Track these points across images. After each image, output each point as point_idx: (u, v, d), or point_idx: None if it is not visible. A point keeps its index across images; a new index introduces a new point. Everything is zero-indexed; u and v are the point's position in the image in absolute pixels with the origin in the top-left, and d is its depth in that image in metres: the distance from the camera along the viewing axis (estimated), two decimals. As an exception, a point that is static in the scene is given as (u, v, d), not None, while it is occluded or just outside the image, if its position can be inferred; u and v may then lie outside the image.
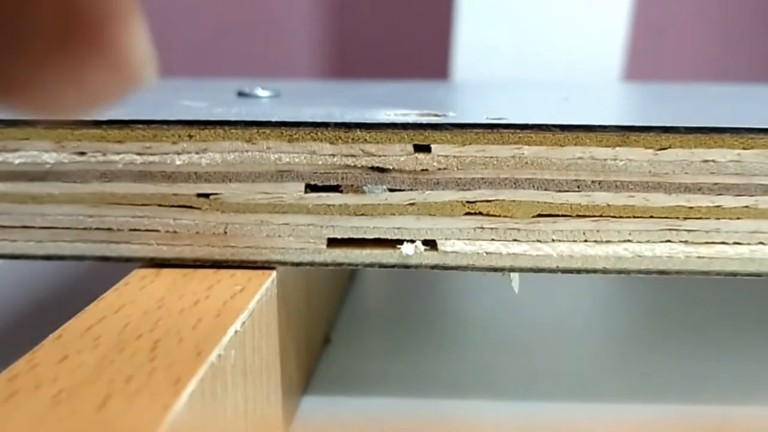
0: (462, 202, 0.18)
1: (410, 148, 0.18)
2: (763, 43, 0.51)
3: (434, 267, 0.19)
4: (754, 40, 0.51)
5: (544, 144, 0.18)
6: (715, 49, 0.51)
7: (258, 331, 0.17)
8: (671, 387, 0.22)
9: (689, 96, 0.31)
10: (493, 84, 0.38)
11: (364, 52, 0.52)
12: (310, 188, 0.18)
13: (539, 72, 0.43)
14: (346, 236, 0.19)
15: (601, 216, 0.18)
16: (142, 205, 0.19)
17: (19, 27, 0.09)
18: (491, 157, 0.18)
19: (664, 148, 0.18)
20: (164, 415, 0.12)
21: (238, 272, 0.19)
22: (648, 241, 0.18)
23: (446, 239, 0.18)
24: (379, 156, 0.18)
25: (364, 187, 0.18)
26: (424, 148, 0.18)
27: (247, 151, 0.18)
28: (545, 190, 0.18)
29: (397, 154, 0.18)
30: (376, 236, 0.18)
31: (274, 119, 0.18)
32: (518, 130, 0.18)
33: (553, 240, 0.18)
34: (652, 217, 0.18)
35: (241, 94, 0.25)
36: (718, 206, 0.18)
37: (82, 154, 0.18)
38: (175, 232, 0.19)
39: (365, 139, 0.18)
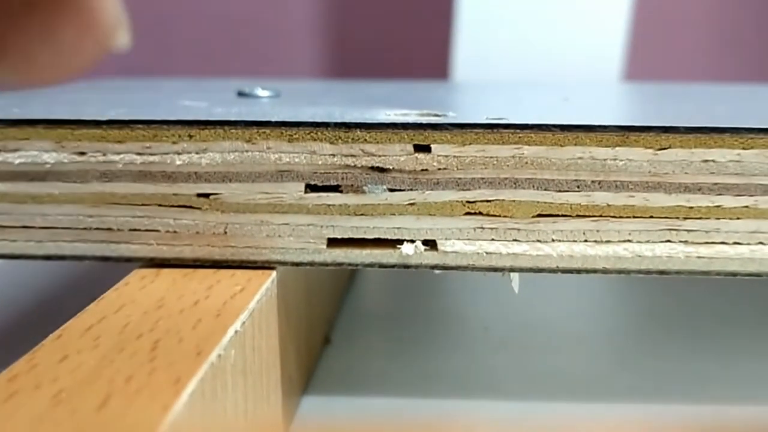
0: (462, 202, 0.18)
1: (410, 148, 0.18)
2: (763, 43, 0.51)
3: (434, 267, 0.19)
4: (754, 40, 0.51)
5: (544, 144, 0.18)
6: (715, 49, 0.51)
7: (258, 331, 0.17)
8: (671, 387, 0.22)
9: (689, 96, 0.31)
10: (493, 84, 0.38)
11: (364, 52, 0.52)
12: (310, 188, 0.18)
13: (539, 72, 0.43)
14: (346, 236, 0.19)
15: (601, 216, 0.18)
16: (142, 205, 0.19)
17: None
18: (491, 157, 0.18)
19: (664, 148, 0.18)
20: (164, 415, 0.12)
21: (238, 272, 0.19)
22: (648, 241, 0.18)
23: (446, 239, 0.18)
24: (379, 156, 0.18)
25: (364, 187, 0.18)
26: (424, 148, 0.18)
27: (247, 151, 0.18)
28: (545, 190, 0.18)
29: (397, 154, 0.18)
30: (376, 236, 0.18)
31: (274, 119, 0.18)
32: (518, 130, 0.18)
33: (553, 240, 0.18)
34: (652, 217, 0.18)
35: (241, 94, 0.25)
36: (718, 206, 0.18)
37: (82, 154, 0.18)
38: (175, 232, 0.19)
39: (365, 139, 0.18)
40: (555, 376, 0.23)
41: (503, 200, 0.18)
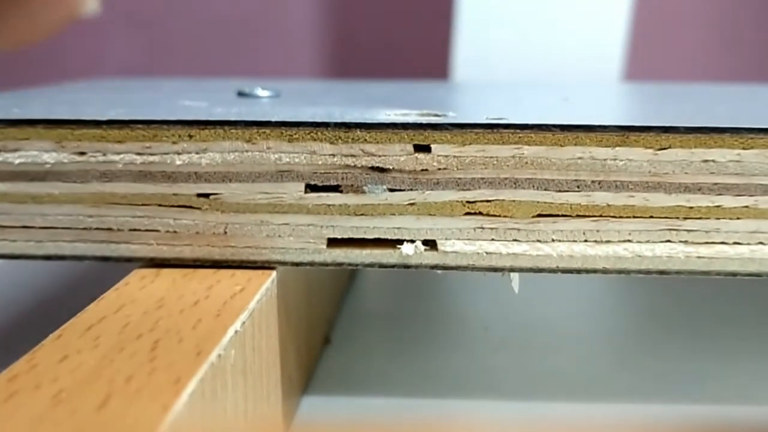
0: (462, 202, 0.18)
1: (410, 148, 0.18)
2: (763, 43, 0.51)
3: (434, 267, 0.19)
4: (754, 40, 0.51)
5: (544, 144, 0.18)
6: (715, 49, 0.51)
7: (258, 331, 0.17)
8: (671, 387, 0.22)
9: (689, 96, 0.31)
10: (493, 84, 0.38)
11: (364, 52, 0.52)
12: (310, 188, 0.18)
13: (539, 72, 0.43)
14: (346, 236, 0.19)
15: (601, 216, 0.18)
16: (142, 205, 0.19)
17: None
18: (491, 157, 0.18)
19: (664, 148, 0.18)
20: (164, 415, 0.12)
21: (238, 272, 0.19)
22: (648, 241, 0.18)
23: (446, 239, 0.18)
24: (379, 156, 0.18)
25: (364, 187, 0.18)
26: (424, 148, 0.18)
27: (247, 151, 0.18)
28: (545, 190, 0.18)
29: (397, 154, 0.18)
30: (376, 236, 0.18)
31: (274, 119, 0.18)
32: (518, 130, 0.18)
33: (553, 240, 0.18)
34: (652, 217, 0.18)
35: (241, 94, 0.25)
36: (718, 206, 0.18)
37: (82, 154, 0.18)
38: (175, 232, 0.19)
39: (365, 139, 0.18)
40: (555, 376, 0.23)
41: (503, 200, 0.18)
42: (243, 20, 0.52)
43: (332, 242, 0.19)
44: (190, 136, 0.18)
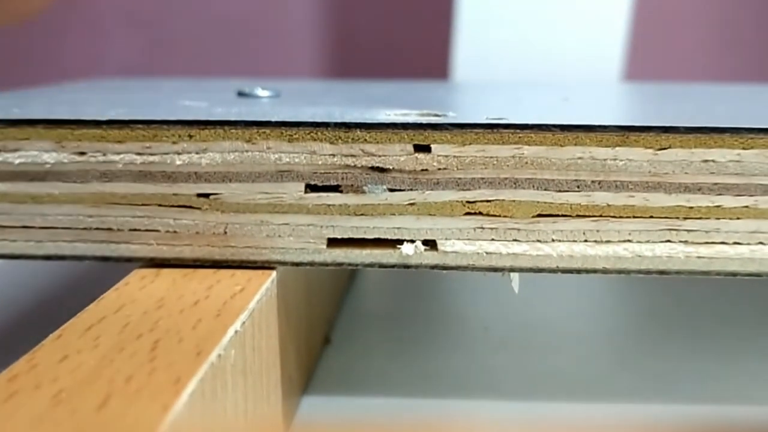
0: (462, 202, 0.18)
1: (410, 148, 0.18)
2: (763, 43, 0.51)
3: (434, 267, 0.19)
4: (754, 40, 0.51)
5: (544, 144, 0.18)
6: (715, 49, 0.51)
7: (258, 331, 0.17)
8: (671, 387, 0.22)
9: (689, 96, 0.31)
10: (493, 84, 0.38)
11: (364, 51, 0.52)
12: (310, 188, 0.18)
13: (539, 72, 0.43)
14: (346, 236, 0.19)
15: (601, 216, 0.18)
16: (142, 205, 0.19)
17: None
18: (491, 157, 0.18)
19: (664, 148, 0.18)
20: (164, 415, 0.12)
21: (238, 272, 0.19)
22: (648, 241, 0.18)
23: (446, 239, 0.18)
24: (379, 156, 0.18)
25: (364, 187, 0.18)
26: (424, 148, 0.18)
27: (247, 151, 0.18)
28: (545, 190, 0.18)
29: (397, 154, 0.18)
30: (376, 236, 0.18)
31: (274, 119, 0.18)
32: (518, 130, 0.18)
33: (553, 240, 0.18)
34: (652, 217, 0.18)
35: (241, 94, 0.25)
36: (718, 206, 0.18)
37: (82, 154, 0.18)
38: (175, 232, 0.19)
39: (365, 139, 0.18)
40: (555, 376, 0.23)
41: (503, 200, 0.18)
42: (243, 20, 0.52)
43: (332, 242, 0.19)
44: (190, 136, 0.18)
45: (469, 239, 0.18)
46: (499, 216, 0.18)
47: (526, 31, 0.43)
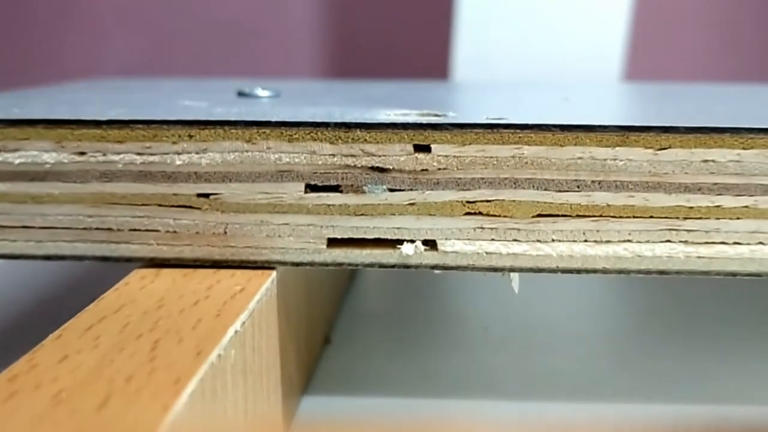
0: (462, 202, 0.18)
1: (410, 148, 0.18)
2: (763, 43, 0.51)
3: (434, 267, 0.19)
4: (754, 40, 0.51)
5: (544, 144, 0.18)
6: (715, 49, 0.51)
7: (258, 331, 0.17)
8: (671, 387, 0.22)
9: (689, 96, 0.31)
10: (493, 84, 0.38)
11: (364, 52, 0.52)
12: (310, 188, 0.18)
13: (539, 72, 0.43)
14: (346, 236, 0.19)
15: (601, 216, 0.18)
16: (142, 205, 0.19)
17: None
18: (491, 157, 0.18)
19: (664, 148, 0.18)
20: (164, 415, 0.12)
21: (238, 272, 0.19)
22: (648, 241, 0.18)
23: (446, 239, 0.18)
24: (379, 156, 0.18)
25: (364, 187, 0.18)
26: (424, 148, 0.18)
27: (247, 151, 0.18)
28: (545, 190, 0.18)
29: (397, 154, 0.18)
30: (376, 236, 0.18)
31: (274, 119, 0.18)
32: (518, 130, 0.18)
33: (553, 240, 0.18)
34: (652, 217, 0.18)
35: (241, 94, 0.25)
36: (718, 206, 0.18)
37: (82, 154, 0.18)
38: (175, 232, 0.19)
39: (365, 139, 0.18)
40: (555, 376, 0.23)
41: (503, 200, 0.18)
42: (243, 20, 0.52)
43: (332, 242, 0.19)
44: (190, 136, 0.18)
45: (469, 239, 0.18)
46: (499, 216, 0.18)
47: (526, 31, 0.43)
